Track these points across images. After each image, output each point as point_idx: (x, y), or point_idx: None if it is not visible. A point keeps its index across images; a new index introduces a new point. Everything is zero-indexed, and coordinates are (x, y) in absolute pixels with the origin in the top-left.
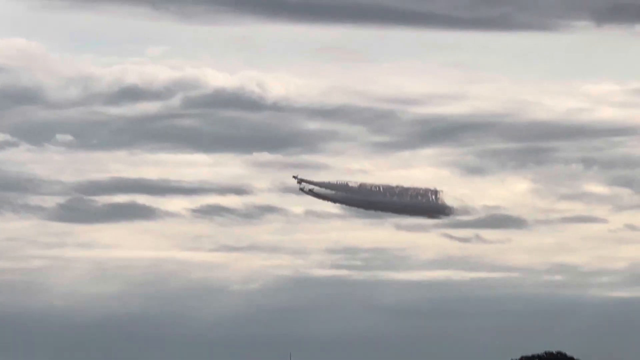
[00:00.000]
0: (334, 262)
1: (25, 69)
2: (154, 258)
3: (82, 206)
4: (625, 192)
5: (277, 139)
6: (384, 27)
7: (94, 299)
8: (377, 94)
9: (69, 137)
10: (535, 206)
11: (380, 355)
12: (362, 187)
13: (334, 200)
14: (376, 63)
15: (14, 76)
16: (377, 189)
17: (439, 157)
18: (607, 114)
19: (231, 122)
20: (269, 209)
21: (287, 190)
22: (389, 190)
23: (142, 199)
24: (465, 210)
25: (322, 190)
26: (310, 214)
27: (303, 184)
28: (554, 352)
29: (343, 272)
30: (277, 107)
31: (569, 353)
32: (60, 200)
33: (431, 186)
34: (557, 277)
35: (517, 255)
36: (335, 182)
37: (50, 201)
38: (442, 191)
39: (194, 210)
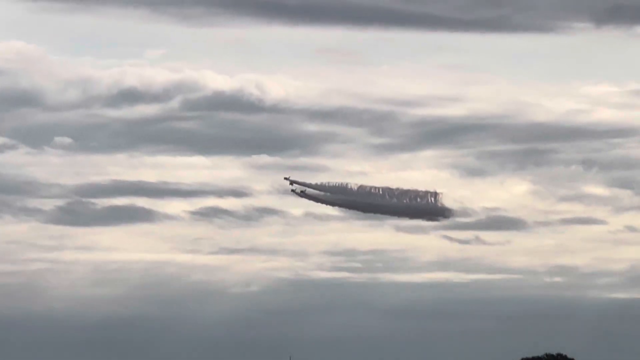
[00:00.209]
0: (334, 264)
1: (24, 71)
2: (153, 261)
3: (81, 209)
4: (624, 194)
5: (277, 141)
6: (383, 29)
7: (93, 301)
8: (376, 95)
9: (67, 140)
10: (534, 208)
11: (381, 356)
12: (362, 189)
13: (332, 203)
14: (375, 65)
15: (12, 79)
16: (377, 190)
17: (439, 159)
18: (606, 115)
19: (230, 125)
20: (269, 211)
21: (286, 192)
22: (388, 192)
23: (141, 202)
24: (465, 212)
25: (314, 192)
26: (309, 216)
27: (295, 185)
28: (554, 353)
29: (343, 274)
30: (276, 109)
31: (569, 354)
32: (59, 203)
33: (431, 188)
34: (557, 279)
35: (517, 257)
36: (327, 184)
37: (49, 204)
38: (441, 193)
39: (193, 213)
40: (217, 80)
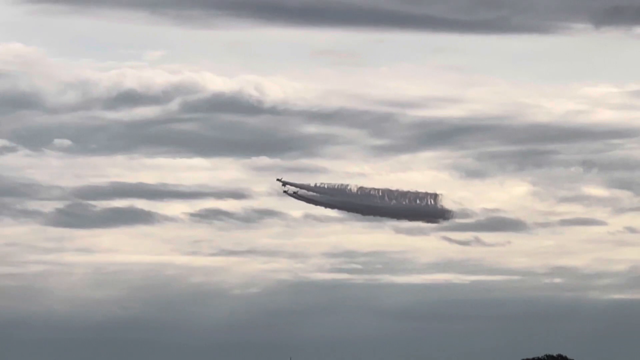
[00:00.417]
0: (334, 265)
1: (24, 73)
2: (153, 263)
3: (81, 211)
4: (624, 195)
5: (276, 143)
6: (382, 30)
7: (93, 303)
8: (375, 97)
9: (67, 142)
10: (534, 209)
11: (381, 357)
12: (361, 191)
13: (332, 205)
14: (374, 66)
15: (12, 81)
16: (377, 192)
17: (438, 160)
18: (605, 116)
19: (230, 126)
20: (268, 213)
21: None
22: (387, 193)
23: (140, 204)
24: (465, 213)
25: (308, 193)
26: (309, 217)
27: (287, 186)
28: (555, 354)
29: (343, 276)
30: (275, 111)
31: (569, 355)
32: (59, 205)
33: (430, 190)
34: (557, 280)
35: (516, 258)
36: (326, 185)
37: (49, 206)
38: (441, 195)
39: (193, 215)
40: (216, 82)
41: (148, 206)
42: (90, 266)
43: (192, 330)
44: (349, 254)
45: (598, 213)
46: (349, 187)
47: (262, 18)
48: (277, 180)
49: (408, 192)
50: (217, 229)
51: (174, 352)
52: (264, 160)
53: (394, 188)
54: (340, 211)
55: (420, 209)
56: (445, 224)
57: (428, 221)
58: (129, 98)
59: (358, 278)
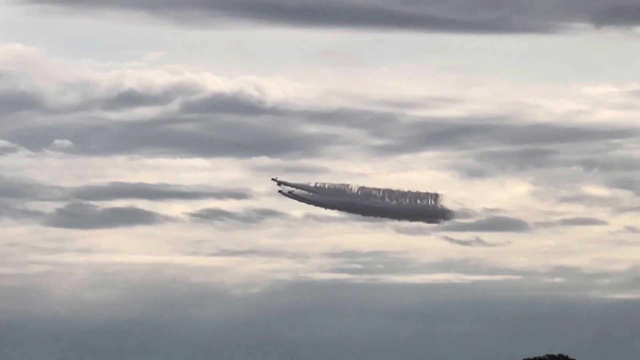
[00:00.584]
0: (334, 265)
1: (24, 74)
2: (154, 263)
3: (82, 211)
4: (625, 194)
5: (276, 143)
6: (382, 30)
7: (94, 304)
8: (375, 97)
9: (67, 143)
10: (535, 209)
11: (382, 358)
12: (362, 191)
13: (332, 206)
14: (375, 66)
15: (12, 81)
16: (378, 192)
17: (439, 160)
18: (606, 116)
19: (230, 127)
20: (269, 213)
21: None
22: (388, 194)
23: (141, 204)
24: (466, 213)
25: (304, 192)
26: (309, 217)
27: (282, 186)
28: (556, 354)
29: (343, 276)
30: (275, 111)
31: (570, 355)
32: (60, 205)
33: (431, 190)
34: (558, 280)
35: (517, 258)
36: (318, 185)
37: (50, 207)
38: (442, 195)
39: (194, 215)
40: (216, 82)
41: (148, 206)
42: (90, 266)
43: (192, 330)
44: (350, 254)
45: (599, 213)
46: (349, 187)
47: (262, 18)
48: (272, 179)
49: (408, 192)
50: (217, 229)
51: (174, 352)
52: (264, 160)
53: (394, 188)
54: (340, 211)
55: (421, 209)
56: (445, 224)
57: (429, 221)
58: (129, 98)
59: (359, 278)
